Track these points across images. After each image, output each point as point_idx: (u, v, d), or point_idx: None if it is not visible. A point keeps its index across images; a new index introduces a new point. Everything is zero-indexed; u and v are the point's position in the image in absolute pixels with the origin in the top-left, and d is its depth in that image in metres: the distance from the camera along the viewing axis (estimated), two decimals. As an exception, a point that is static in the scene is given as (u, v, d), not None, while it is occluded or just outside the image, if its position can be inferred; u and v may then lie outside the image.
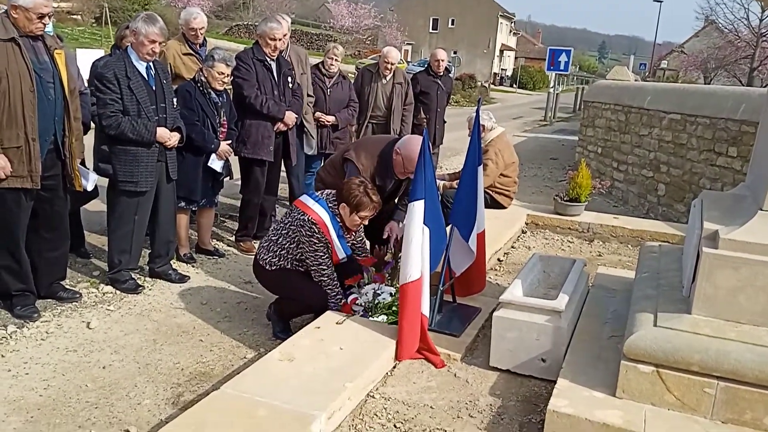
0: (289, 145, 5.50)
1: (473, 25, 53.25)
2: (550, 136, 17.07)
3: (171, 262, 4.74)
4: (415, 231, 3.18)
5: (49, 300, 4.11)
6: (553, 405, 2.63)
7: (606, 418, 2.55)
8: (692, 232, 3.08)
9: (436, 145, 7.72)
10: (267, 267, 3.78)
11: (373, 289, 3.66)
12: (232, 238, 5.66)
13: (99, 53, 9.78)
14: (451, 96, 9.55)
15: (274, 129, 5.21)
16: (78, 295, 4.22)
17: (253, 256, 4.00)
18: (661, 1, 39.15)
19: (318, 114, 6.09)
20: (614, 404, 2.65)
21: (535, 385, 3.15)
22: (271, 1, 45.39)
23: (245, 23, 44.61)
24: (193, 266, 4.99)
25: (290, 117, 5.26)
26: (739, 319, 2.62)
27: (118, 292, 4.37)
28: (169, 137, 4.28)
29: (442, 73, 7.57)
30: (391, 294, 3.62)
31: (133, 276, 4.49)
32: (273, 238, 3.78)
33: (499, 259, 5.19)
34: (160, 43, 4.18)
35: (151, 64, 4.20)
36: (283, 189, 6.35)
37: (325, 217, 3.63)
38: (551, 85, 24.68)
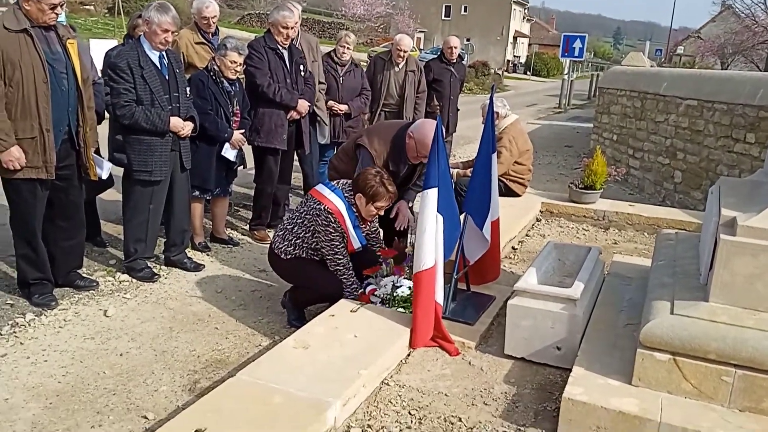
0: (302, 134, 5.50)
1: (486, 12, 52.78)
2: (564, 124, 16.94)
3: (186, 250, 4.77)
4: (429, 219, 3.16)
5: (66, 288, 4.16)
6: (569, 393, 2.62)
7: (622, 406, 2.54)
8: (709, 219, 3.04)
9: (449, 133, 7.67)
10: (282, 256, 3.78)
11: (392, 281, 3.66)
12: (246, 227, 5.68)
13: (112, 43, 9.77)
14: (465, 83, 9.46)
15: (287, 117, 5.21)
16: (95, 284, 4.27)
17: (267, 245, 4.00)
18: (677, -14, 38.62)
19: (331, 103, 6.07)
20: (630, 392, 2.64)
21: (550, 373, 3.14)
22: (282, -10, 45.20)
23: (257, 12, 44.58)
24: (207, 255, 5.03)
25: (303, 105, 5.25)
26: (757, 306, 2.59)
27: (134, 280, 4.42)
28: (183, 126, 4.29)
29: (455, 61, 7.51)
30: (409, 288, 3.59)
31: (148, 264, 4.53)
32: (288, 227, 3.79)
33: (513, 248, 5.17)
34: (172, 33, 4.17)
35: (163, 53, 4.20)
36: (296, 178, 6.36)
37: (341, 206, 3.63)
38: (565, 71, 24.47)
